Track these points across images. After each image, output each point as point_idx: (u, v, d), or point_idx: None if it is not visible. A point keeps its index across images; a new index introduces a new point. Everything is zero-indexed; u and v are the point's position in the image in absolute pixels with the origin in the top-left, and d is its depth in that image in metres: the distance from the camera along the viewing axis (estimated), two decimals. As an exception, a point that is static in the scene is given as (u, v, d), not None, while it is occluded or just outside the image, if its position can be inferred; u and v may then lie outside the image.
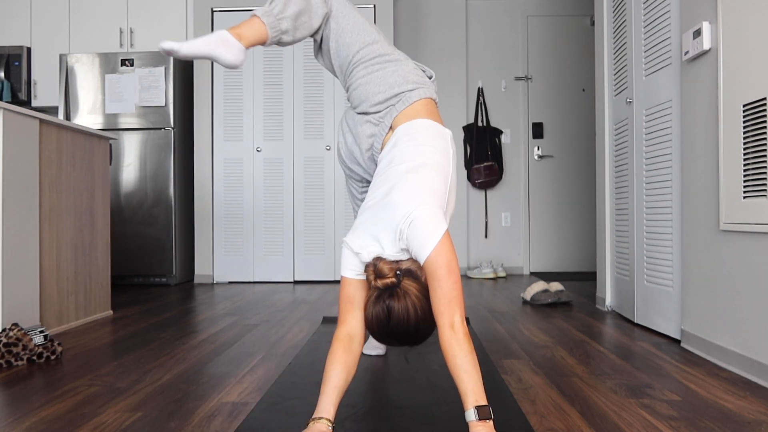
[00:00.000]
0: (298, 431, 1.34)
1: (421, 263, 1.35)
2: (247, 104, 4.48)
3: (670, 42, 2.36)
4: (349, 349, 1.36)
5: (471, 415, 1.21)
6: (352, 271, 1.43)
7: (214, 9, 4.49)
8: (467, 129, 5.06)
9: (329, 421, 1.26)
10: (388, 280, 1.33)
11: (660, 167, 2.46)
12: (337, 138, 1.52)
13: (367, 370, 1.88)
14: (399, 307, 1.30)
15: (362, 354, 2.14)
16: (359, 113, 1.70)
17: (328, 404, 1.28)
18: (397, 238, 1.38)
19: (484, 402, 1.22)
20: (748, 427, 1.38)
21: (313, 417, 1.27)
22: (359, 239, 1.43)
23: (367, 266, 1.36)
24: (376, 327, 1.33)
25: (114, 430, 1.37)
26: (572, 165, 5.14)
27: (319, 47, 1.80)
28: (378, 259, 1.36)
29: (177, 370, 1.93)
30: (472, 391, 1.23)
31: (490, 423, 1.21)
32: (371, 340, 2.16)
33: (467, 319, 2.74)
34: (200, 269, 4.48)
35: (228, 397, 1.63)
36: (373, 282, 1.34)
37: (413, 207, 1.38)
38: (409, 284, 1.33)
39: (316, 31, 1.72)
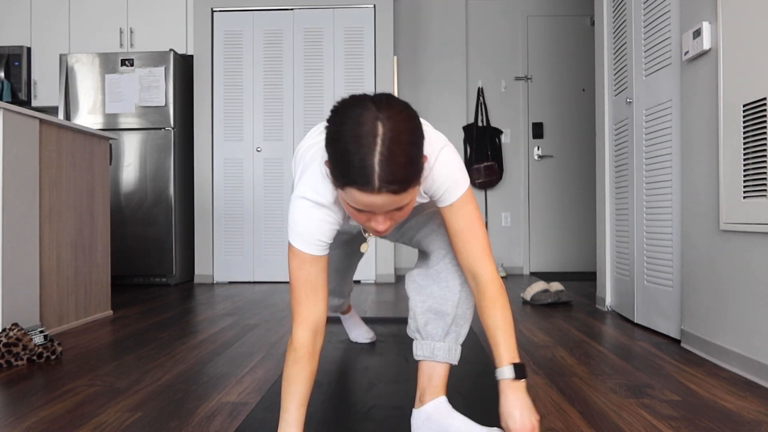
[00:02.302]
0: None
1: (449, 202, 1.16)
2: (247, 104, 4.48)
3: (670, 42, 2.36)
4: (314, 353, 1.12)
5: (507, 372, 1.10)
6: (315, 242, 1.11)
7: (214, 9, 4.49)
8: (467, 129, 5.06)
9: None
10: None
11: (660, 167, 2.46)
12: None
13: (367, 370, 1.88)
14: (391, 111, 0.97)
15: (353, 343, 2.15)
16: None
17: (296, 421, 1.10)
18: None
19: (520, 361, 1.13)
20: (748, 427, 1.38)
21: None
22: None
23: None
24: (354, 147, 0.95)
25: (114, 430, 1.37)
26: (572, 165, 5.14)
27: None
28: None
29: (177, 370, 1.93)
30: (514, 347, 1.13)
31: (524, 383, 1.12)
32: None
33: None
34: (200, 269, 4.48)
35: (228, 397, 1.63)
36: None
37: (439, 141, 1.16)
38: None
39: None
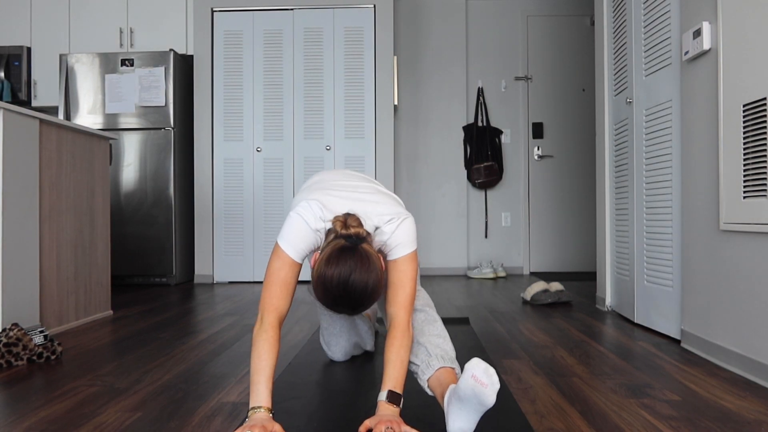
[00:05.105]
0: (297, 431, 1.34)
1: (395, 256, 1.43)
2: (247, 104, 4.48)
3: (670, 42, 2.36)
4: (277, 336, 1.35)
5: (383, 395, 1.31)
6: (297, 249, 1.40)
7: (214, 9, 4.49)
8: (467, 129, 5.06)
9: (268, 409, 1.26)
10: (359, 230, 1.35)
11: (660, 167, 2.46)
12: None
13: (368, 371, 1.88)
14: (362, 266, 1.28)
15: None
16: None
17: (264, 393, 1.27)
18: (378, 223, 1.43)
19: (400, 392, 1.33)
20: (748, 427, 1.38)
21: (251, 407, 1.26)
22: (334, 206, 1.42)
23: (336, 217, 1.38)
24: (331, 286, 1.28)
25: (114, 430, 1.37)
26: (572, 165, 5.14)
27: None
28: (348, 214, 1.40)
29: (177, 370, 1.93)
30: (396, 379, 1.33)
31: (397, 409, 1.30)
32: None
33: (467, 319, 2.75)
34: (200, 269, 4.48)
35: (228, 397, 1.63)
36: (339, 230, 1.35)
37: (405, 211, 1.49)
38: (370, 248, 1.34)
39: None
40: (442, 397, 1.34)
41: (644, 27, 2.59)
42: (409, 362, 1.46)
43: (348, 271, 1.26)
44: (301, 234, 1.40)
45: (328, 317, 1.93)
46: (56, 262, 2.56)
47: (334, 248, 1.31)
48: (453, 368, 1.42)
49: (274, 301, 1.37)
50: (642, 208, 2.62)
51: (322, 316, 1.95)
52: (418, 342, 1.46)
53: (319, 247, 1.43)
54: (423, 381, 1.42)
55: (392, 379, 1.33)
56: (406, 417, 1.44)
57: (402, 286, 1.42)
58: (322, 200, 1.42)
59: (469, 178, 5.05)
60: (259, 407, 1.26)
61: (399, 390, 1.32)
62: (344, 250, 1.30)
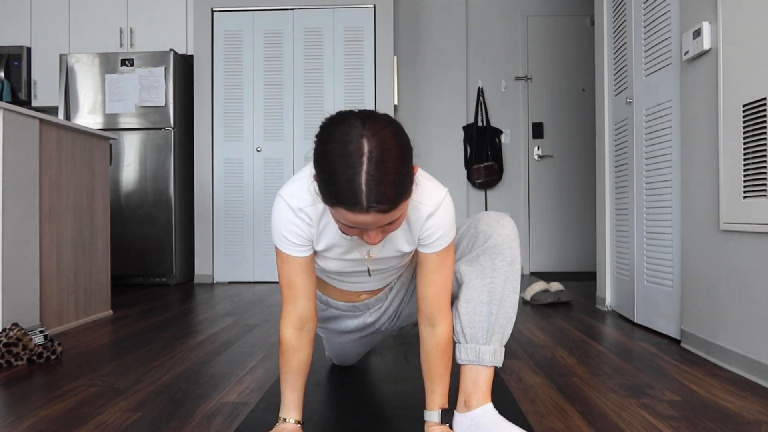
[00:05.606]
0: None
1: (435, 249, 1.18)
2: (247, 104, 4.48)
3: (670, 42, 2.36)
4: (295, 338, 1.21)
5: (433, 416, 1.24)
6: (293, 244, 1.17)
7: (214, 9, 4.49)
8: (467, 129, 5.06)
9: (297, 421, 1.23)
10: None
11: (660, 167, 2.46)
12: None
13: (367, 371, 1.88)
14: (372, 121, 0.97)
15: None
16: None
17: (290, 403, 1.23)
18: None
19: (448, 406, 1.25)
20: (748, 427, 1.38)
21: (279, 416, 1.24)
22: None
23: None
24: (333, 158, 0.95)
25: (114, 430, 1.37)
26: (572, 165, 5.14)
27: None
28: None
29: (177, 370, 1.93)
30: (444, 396, 1.24)
31: (447, 429, 1.23)
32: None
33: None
34: (200, 269, 4.48)
35: (228, 397, 1.63)
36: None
37: (444, 190, 1.18)
38: None
39: None
40: (464, 402, 1.25)
41: (644, 27, 2.59)
42: (458, 322, 1.28)
43: (356, 129, 0.95)
44: (282, 218, 1.16)
45: (341, 354, 1.77)
46: (56, 262, 2.56)
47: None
48: (496, 367, 1.30)
49: (286, 306, 1.23)
50: (642, 208, 2.62)
51: (332, 353, 1.79)
52: (490, 315, 1.25)
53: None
54: (459, 357, 1.27)
55: (443, 396, 1.23)
56: (406, 416, 1.44)
57: (444, 284, 1.21)
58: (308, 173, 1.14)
59: (469, 178, 5.05)
60: (288, 418, 1.23)
61: (446, 404, 1.23)
62: (343, 112, 1.01)
